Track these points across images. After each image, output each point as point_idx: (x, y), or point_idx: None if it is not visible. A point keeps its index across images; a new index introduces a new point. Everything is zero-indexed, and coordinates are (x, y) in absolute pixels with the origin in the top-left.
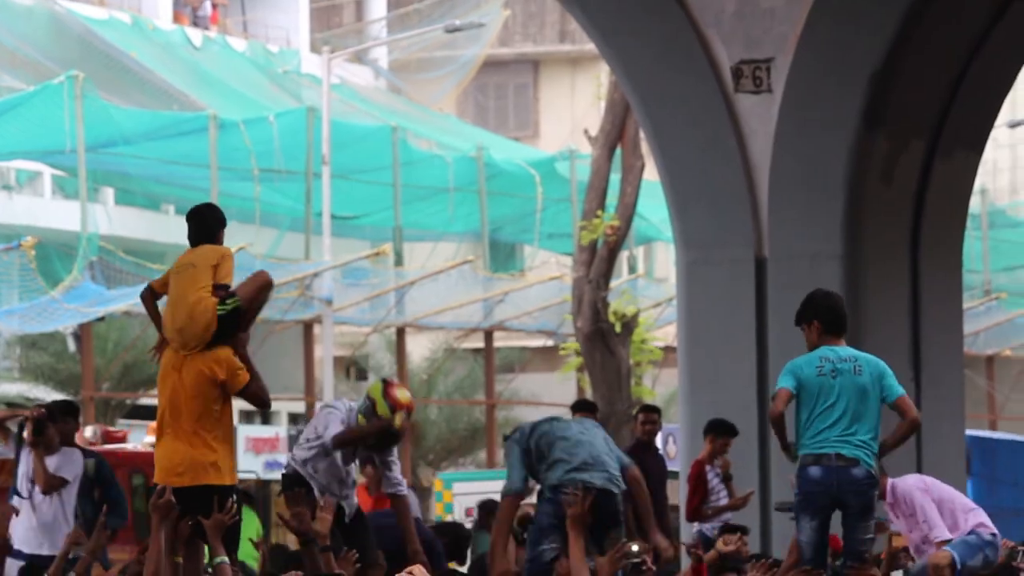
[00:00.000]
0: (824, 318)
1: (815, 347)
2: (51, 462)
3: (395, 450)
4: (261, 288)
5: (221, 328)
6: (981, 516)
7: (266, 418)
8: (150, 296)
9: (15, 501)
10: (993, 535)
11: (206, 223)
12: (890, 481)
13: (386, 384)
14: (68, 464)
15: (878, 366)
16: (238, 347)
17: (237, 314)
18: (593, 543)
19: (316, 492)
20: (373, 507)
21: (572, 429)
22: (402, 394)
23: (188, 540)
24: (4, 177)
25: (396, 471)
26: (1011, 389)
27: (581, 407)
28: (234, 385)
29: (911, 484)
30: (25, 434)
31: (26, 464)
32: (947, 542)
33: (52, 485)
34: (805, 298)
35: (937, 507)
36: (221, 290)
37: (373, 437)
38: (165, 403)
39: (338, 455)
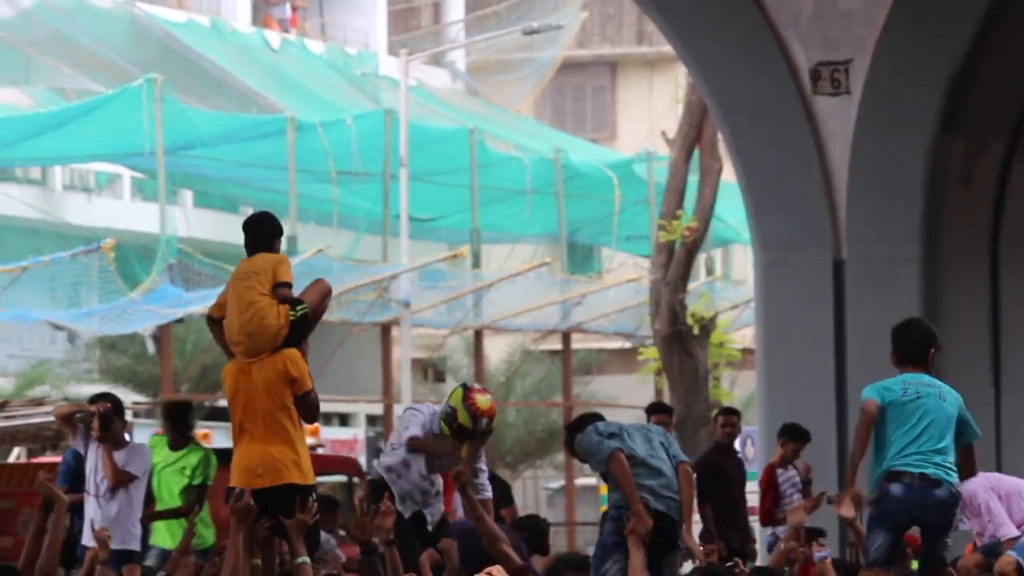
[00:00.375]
0: (896, 349)
1: (896, 374)
2: (119, 457)
3: (482, 454)
4: (324, 296)
5: (290, 334)
6: None
7: (344, 420)
8: (212, 324)
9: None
10: None
11: (262, 232)
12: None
13: (466, 390)
14: (136, 459)
15: (960, 400)
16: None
17: (305, 320)
18: (651, 567)
19: (396, 499)
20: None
21: (641, 449)
22: (482, 400)
23: (265, 541)
24: (84, 180)
25: (483, 477)
26: None
27: (656, 409)
28: (301, 387)
29: (976, 484)
30: (92, 430)
31: (94, 459)
32: (1016, 539)
33: (120, 480)
34: (897, 325)
35: (1005, 502)
36: (284, 288)
37: (445, 457)
38: (239, 410)
39: (421, 462)
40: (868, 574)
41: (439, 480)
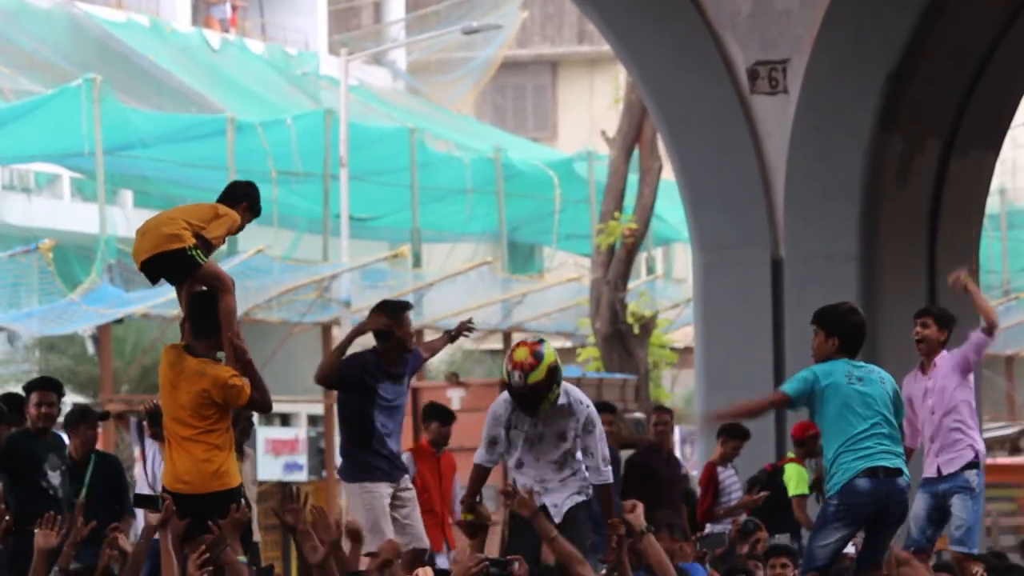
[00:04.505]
0: (845, 336)
1: (826, 359)
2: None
3: (596, 432)
4: (223, 283)
5: (175, 259)
6: None
7: (285, 420)
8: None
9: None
10: None
11: (234, 189)
12: None
13: (514, 346)
14: None
15: (893, 381)
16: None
17: (193, 262)
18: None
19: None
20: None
21: None
22: (518, 353)
23: (186, 538)
24: (23, 180)
25: (598, 459)
26: None
27: (601, 410)
28: (236, 404)
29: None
30: (145, 426)
31: (153, 456)
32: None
33: None
34: (832, 307)
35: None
36: (201, 238)
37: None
38: (168, 416)
39: (520, 439)
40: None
41: (557, 469)
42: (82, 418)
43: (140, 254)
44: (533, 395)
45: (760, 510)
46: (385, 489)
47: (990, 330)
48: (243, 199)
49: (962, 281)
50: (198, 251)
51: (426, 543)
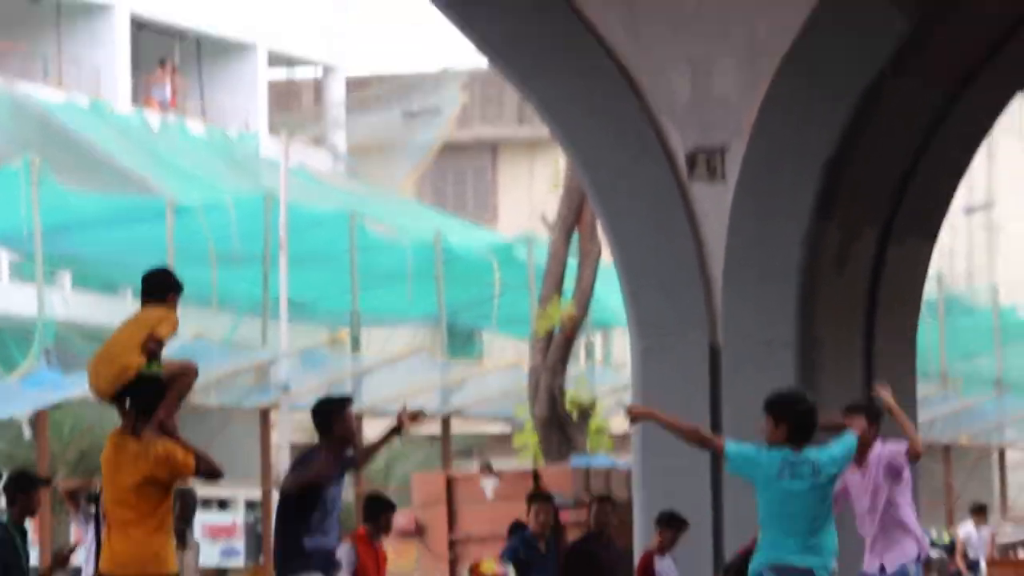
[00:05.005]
0: (796, 425)
1: (772, 445)
2: None
3: None
4: (185, 371)
5: (137, 389)
6: None
7: (223, 505)
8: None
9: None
10: None
11: (155, 283)
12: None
13: (472, 568)
14: None
15: (830, 458)
16: (164, 425)
17: (155, 381)
18: None
19: None
20: (378, 553)
21: None
22: (486, 567)
23: None
24: None
25: None
26: (968, 477)
27: (537, 499)
28: (183, 472)
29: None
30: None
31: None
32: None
33: None
34: (781, 394)
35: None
36: (153, 342)
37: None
38: (110, 500)
39: None
40: None
41: None
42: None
43: (100, 394)
44: None
45: None
46: None
47: (915, 458)
48: (168, 290)
49: (886, 401)
50: (151, 364)
51: None
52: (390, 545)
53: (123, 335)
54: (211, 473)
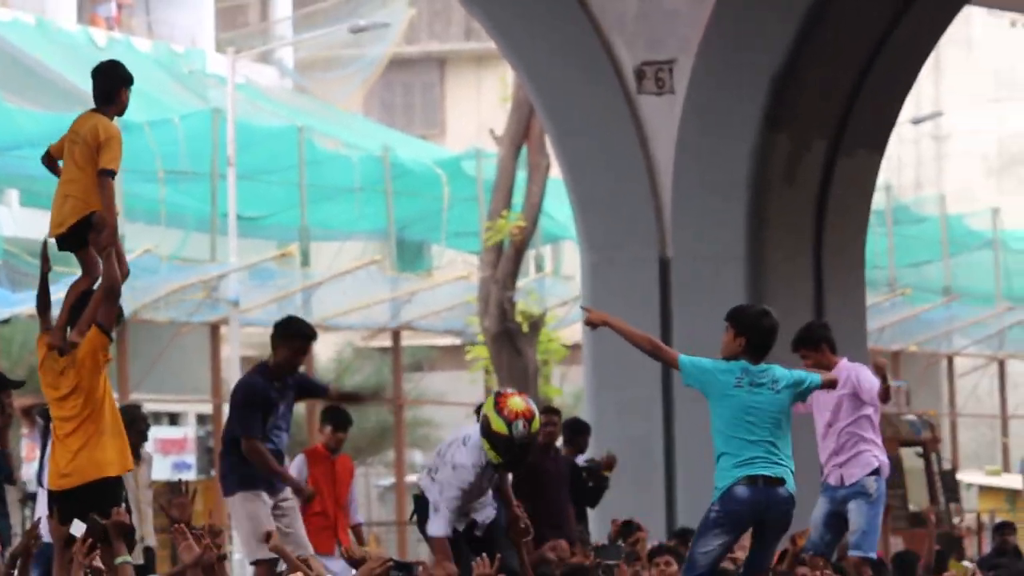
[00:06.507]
0: (753, 338)
1: (732, 358)
2: None
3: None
4: (112, 226)
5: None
6: None
7: (174, 420)
8: (48, 161)
9: (39, 492)
10: None
11: (106, 80)
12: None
13: (498, 397)
14: None
15: (790, 377)
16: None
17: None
18: None
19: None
20: (334, 468)
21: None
22: (515, 403)
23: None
24: None
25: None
26: (917, 384)
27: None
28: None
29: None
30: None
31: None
32: None
33: None
34: (745, 307)
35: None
36: (106, 175)
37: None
38: (54, 416)
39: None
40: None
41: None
42: None
43: (54, 228)
44: (533, 445)
45: None
46: (267, 499)
47: (884, 401)
48: (119, 84)
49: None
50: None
51: (310, 549)
52: None
53: (69, 191)
54: (112, 290)
